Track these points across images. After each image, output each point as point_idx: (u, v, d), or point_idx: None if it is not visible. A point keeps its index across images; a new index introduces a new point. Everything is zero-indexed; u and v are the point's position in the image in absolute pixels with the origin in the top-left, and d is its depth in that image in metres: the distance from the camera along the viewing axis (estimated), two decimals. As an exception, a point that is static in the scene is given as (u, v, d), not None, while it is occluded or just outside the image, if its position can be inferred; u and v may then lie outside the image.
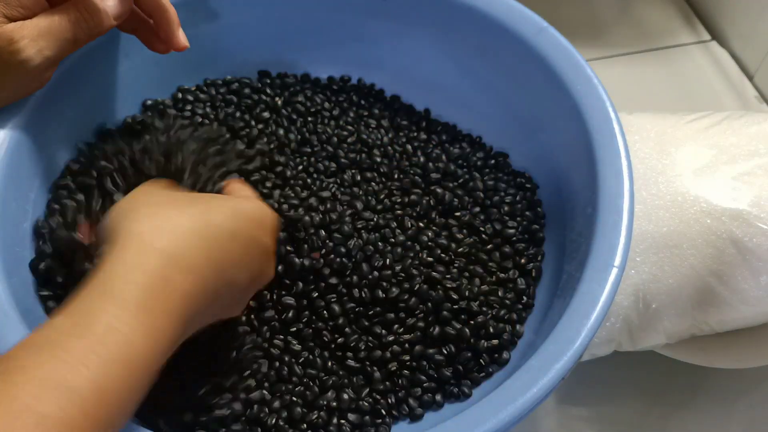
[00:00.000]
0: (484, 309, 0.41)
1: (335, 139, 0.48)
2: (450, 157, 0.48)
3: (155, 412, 0.35)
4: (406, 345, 0.40)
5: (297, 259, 0.41)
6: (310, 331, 0.40)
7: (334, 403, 0.38)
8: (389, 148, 0.48)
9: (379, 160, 0.47)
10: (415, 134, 0.50)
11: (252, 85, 0.50)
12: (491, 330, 0.40)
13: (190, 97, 0.49)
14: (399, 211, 0.44)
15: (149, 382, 0.28)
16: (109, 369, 0.26)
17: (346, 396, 0.38)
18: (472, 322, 0.40)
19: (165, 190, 0.36)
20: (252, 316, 0.40)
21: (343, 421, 0.38)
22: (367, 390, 0.39)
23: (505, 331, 0.40)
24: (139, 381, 0.27)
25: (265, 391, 0.38)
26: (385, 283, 0.40)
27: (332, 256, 0.41)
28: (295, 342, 0.40)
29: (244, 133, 0.47)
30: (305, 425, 0.37)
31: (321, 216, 0.43)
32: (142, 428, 0.32)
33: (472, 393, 0.39)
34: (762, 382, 0.52)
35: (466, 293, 0.41)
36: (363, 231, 0.43)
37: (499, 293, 0.42)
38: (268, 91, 0.50)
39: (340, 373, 0.39)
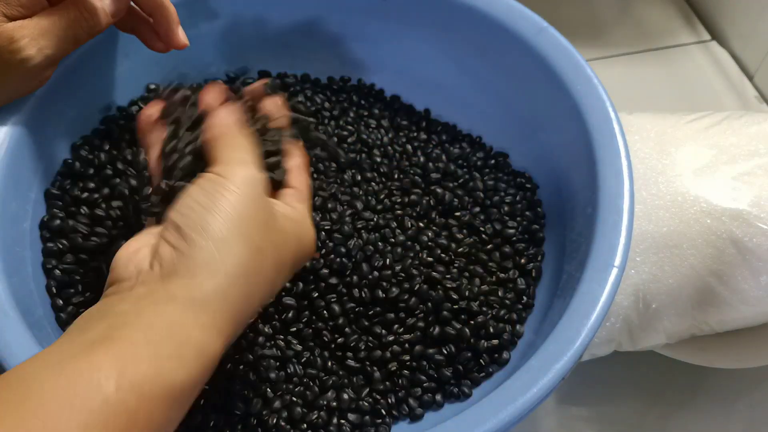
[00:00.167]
0: (484, 309, 0.41)
1: (335, 139, 0.48)
2: (450, 157, 0.48)
3: None
4: (406, 345, 0.40)
5: (297, 259, 0.41)
6: (310, 331, 0.40)
7: (334, 403, 0.38)
8: (389, 148, 0.48)
9: (379, 160, 0.47)
10: (415, 134, 0.50)
11: (252, 85, 0.50)
12: (491, 330, 0.40)
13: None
14: (399, 211, 0.44)
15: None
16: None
17: (346, 396, 0.38)
18: (472, 322, 0.40)
19: (257, 211, 0.31)
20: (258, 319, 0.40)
21: (343, 421, 0.38)
22: (367, 390, 0.39)
23: (505, 331, 0.40)
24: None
25: (268, 390, 0.38)
26: (385, 283, 0.40)
27: (332, 256, 0.41)
28: (295, 342, 0.40)
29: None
30: (305, 425, 0.37)
31: (321, 216, 0.43)
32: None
33: (472, 393, 0.39)
34: (762, 382, 0.52)
35: (466, 293, 0.41)
36: (363, 231, 0.43)
37: (499, 293, 0.42)
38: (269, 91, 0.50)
39: (340, 373, 0.39)
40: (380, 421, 0.38)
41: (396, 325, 0.40)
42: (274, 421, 0.37)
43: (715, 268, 0.46)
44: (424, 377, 0.39)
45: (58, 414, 0.23)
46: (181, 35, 0.41)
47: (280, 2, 0.49)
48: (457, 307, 0.40)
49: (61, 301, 0.39)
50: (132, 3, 0.41)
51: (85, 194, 0.42)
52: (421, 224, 0.44)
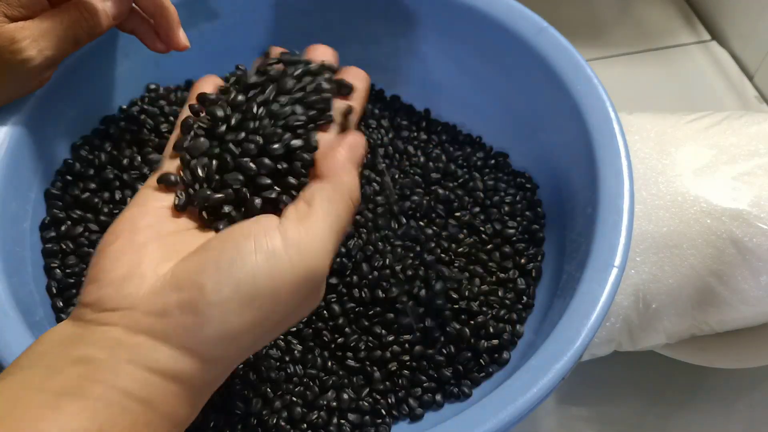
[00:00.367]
0: (484, 309, 0.41)
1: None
2: (450, 157, 0.48)
3: None
4: (406, 345, 0.40)
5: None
6: (310, 331, 0.40)
7: (334, 403, 0.38)
8: (389, 148, 0.48)
9: (379, 160, 0.47)
10: (415, 134, 0.50)
11: (252, 85, 0.50)
12: (491, 330, 0.40)
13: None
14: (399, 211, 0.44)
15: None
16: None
17: (346, 396, 0.38)
18: (472, 322, 0.40)
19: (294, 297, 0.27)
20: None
21: (343, 421, 0.38)
22: (367, 390, 0.39)
23: (505, 331, 0.40)
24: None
25: (268, 390, 0.38)
26: (385, 283, 0.40)
27: (332, 256, 0.41)
28: (295, 342, 0.40)
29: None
30: (305, 425, 0.37)
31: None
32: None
33: (472, 393, 0.39)
34: (762, 382, 0.52)
35: (466, 293, 0.41)
36: (363, 231, 0.43)
37: (499, 293, 0.42)
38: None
39: (340, 373, 0.39)
40: (380, 421, 0.38)
41: (396, 325, 0.40)
42: (274, 421, 0.37)
43: (715, 268, 0.46)
44: (424, 377, 0.39)
45: None
46: (182, 37, 0.41)
47: (280, 2, 0.49)
48: (457, 307, 0.40)
49: (61, 302, 0.39)
50: (133, 3, 0.41)
51: (86, 194, 0.42)
52: (421, 224, 0.44)
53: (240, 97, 0.33)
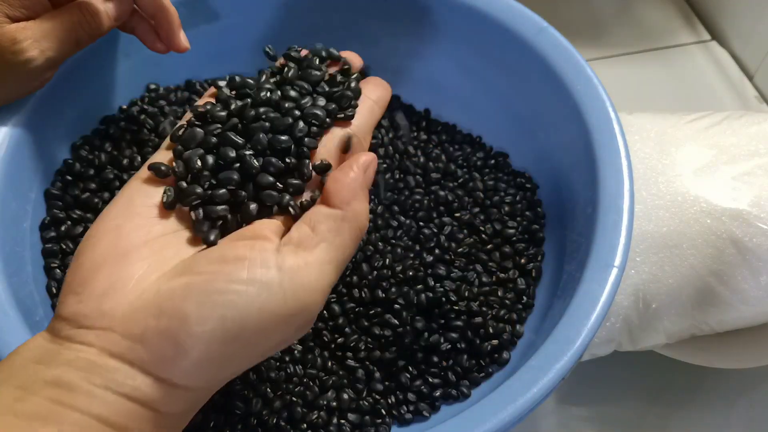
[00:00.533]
0: (484, 309, 0.41)
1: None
2: (450, 157, 0.48)
3: None
4: (406, 345, 0.40)
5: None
6: (310, 331, 0.40)
7: (334, 403, 0.38)
8: (389, 148, 0.48)
9: (379, 160, 0.47)
10: (415, 134, 0.50)
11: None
12: (491, 330, 0.40)
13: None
14: (399, 211, 0.44)
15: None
16: None
17: (346, 396, 0.38)
18: (472, 322, 0.40)
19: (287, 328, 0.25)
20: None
21: (343, 421, 0.38)
22: (367, 390, 0.39)
23: (505, 331, 0.40)
24: None
25: (268, 390, 0.38)
26: (385, 283, 0.40)
27: (332, 256, 0.41)
28: (295, 342, 0.40)
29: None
30: (305, 425, 0.37)
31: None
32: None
33: (472, 393, 0.39)
34: (762, 382, 0.52)
35: (466, 293, 0.41)
36: (363, 231, 0.43)
37: (499, 293, 0.42)
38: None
39: (340, 373, 0.39)
40: (380, 421, 0.38)
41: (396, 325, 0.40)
42: (274, 421, 0.37)
43: (715, 268, 0.46)
44: (423, 377, 0.39)
45: None
46: (183, 39, 0.41)
47: (281, 2, 0.49)
48: (457, 307, 0.40)
49: (61, 302, 0.39)
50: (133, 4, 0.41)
51: (86, 194, 0.42)
52: (421, 224, 0.44)
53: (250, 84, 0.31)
